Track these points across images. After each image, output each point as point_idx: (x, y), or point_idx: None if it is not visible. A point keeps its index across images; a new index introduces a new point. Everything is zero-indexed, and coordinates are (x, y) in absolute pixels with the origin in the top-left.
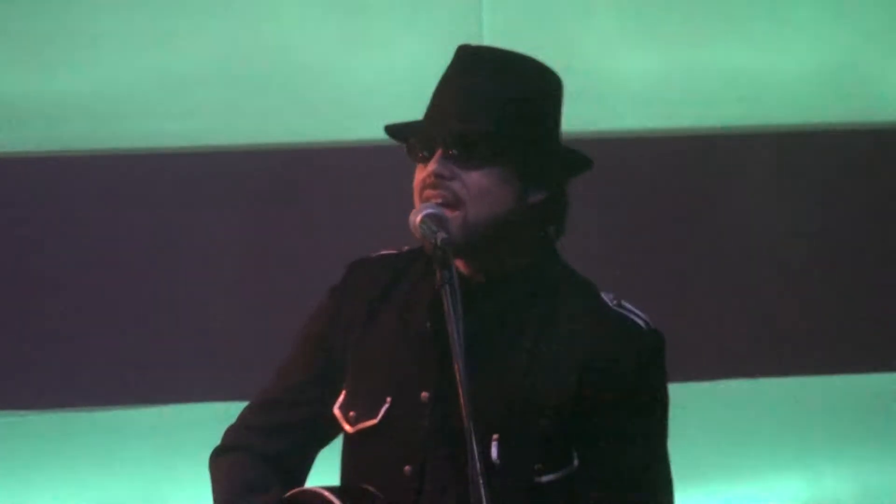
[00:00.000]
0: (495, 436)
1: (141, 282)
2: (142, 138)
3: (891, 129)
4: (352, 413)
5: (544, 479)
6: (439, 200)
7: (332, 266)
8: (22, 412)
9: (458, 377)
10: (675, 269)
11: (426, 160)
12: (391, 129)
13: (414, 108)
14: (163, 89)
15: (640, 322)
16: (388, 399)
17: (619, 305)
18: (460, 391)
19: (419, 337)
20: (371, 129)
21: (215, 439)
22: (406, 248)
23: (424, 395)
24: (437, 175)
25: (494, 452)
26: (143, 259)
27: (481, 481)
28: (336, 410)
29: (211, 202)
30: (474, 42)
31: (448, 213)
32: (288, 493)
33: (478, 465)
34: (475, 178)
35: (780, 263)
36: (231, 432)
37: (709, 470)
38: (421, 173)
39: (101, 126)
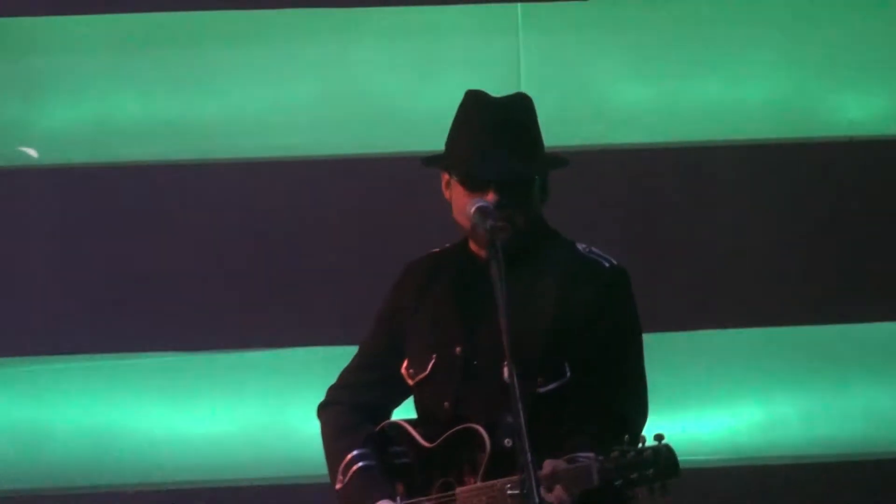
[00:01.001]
0: (505, 362)
1: (271, 260)
2: (259, 150)
3: (830, 143)
4: (411, 371)
5: (543, 389)
6: (506, 223)
7: (408, 242)
8: (175, 353)
9: (503, 330)
10: (665, 247)
11: (480, 190)
12: (447, 165)
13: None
14: (278, 112)
15: (605, 262)
16: (434, 356)
17: (590, 252)
18: (505, 342)
19: (452, 307)
20: (435, 143)
21: (320, 375)
22: (447, 244)
23: (458, 349)
24: (498, 204)
25: (505, 374)
26: (274, 238)
27: (520, 406)
28: (402, 371)
29: (315, 195)
30: (513, 78)
31: (501, 224)
32: (377, 427)
33: (517, 394)
34: (522, 201)
35: (744, 242)
36: (331, 391)
37: (689, 398)
38: (471, 196)
39: (228, 140)
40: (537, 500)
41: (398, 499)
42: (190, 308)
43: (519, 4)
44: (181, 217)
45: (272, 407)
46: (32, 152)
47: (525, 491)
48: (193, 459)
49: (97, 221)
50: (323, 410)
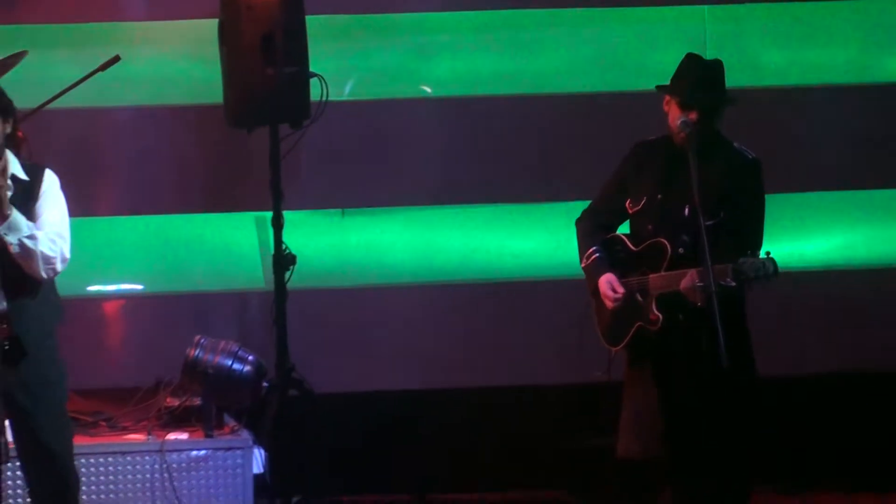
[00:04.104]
0: (686, 206)
1: (553, 145)
2: (552, 87)
3: (888, 86)
4: (630, 204)
5: (708, 223)
6: (697, 132)
7: (633, 136)
8: (500, 203)
9: (695, 189)
10: (785, 141)
11: (689, 110)
12: (671, 91)
13: (664, 77)
14: (561, 64)
15: (749, 155)
16: (644, 198)
17: (742, 148)
18: (696, 195)
19: (658, 171)
20: (646, 85)
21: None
22: (660, 136)
23: (659, 196)
24: (698, 119)
25: (686, 212)
26: (549, 137)
27: (704, 232)
28: (626, 205)
29: (580, 117)
30: (699, 41)
31: (695, 131)
32: (608, 236)
33: (703, 223)
34: (711, 118)
35: (838, 137)
36: (584, 212)
37: (799, 231)
38: (682, 113)
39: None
40: (713, 287)
41: (616, 275)
42: (508, 180)
43: (706, 6)
44: (509, 134)
45: (548, 235)
46: (428, 89)
47: (705, 283)
48: (507, 262)
49: (454, 136)
50: (578, 222)
